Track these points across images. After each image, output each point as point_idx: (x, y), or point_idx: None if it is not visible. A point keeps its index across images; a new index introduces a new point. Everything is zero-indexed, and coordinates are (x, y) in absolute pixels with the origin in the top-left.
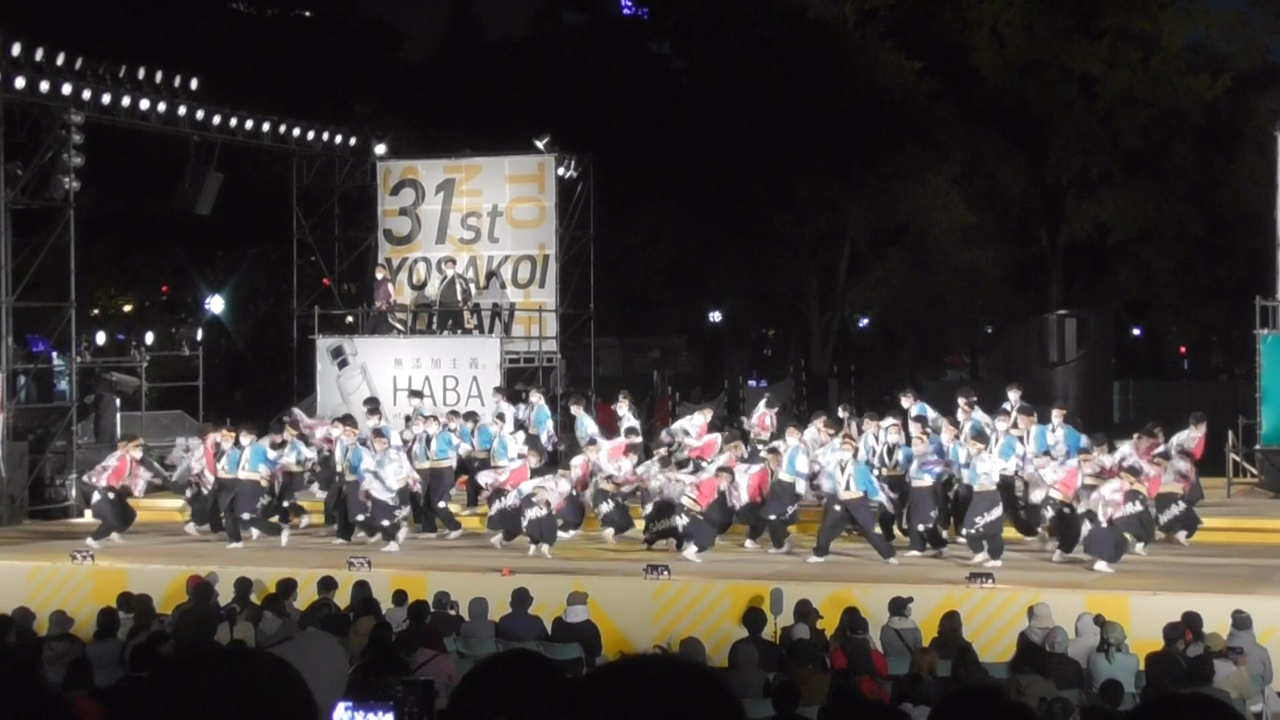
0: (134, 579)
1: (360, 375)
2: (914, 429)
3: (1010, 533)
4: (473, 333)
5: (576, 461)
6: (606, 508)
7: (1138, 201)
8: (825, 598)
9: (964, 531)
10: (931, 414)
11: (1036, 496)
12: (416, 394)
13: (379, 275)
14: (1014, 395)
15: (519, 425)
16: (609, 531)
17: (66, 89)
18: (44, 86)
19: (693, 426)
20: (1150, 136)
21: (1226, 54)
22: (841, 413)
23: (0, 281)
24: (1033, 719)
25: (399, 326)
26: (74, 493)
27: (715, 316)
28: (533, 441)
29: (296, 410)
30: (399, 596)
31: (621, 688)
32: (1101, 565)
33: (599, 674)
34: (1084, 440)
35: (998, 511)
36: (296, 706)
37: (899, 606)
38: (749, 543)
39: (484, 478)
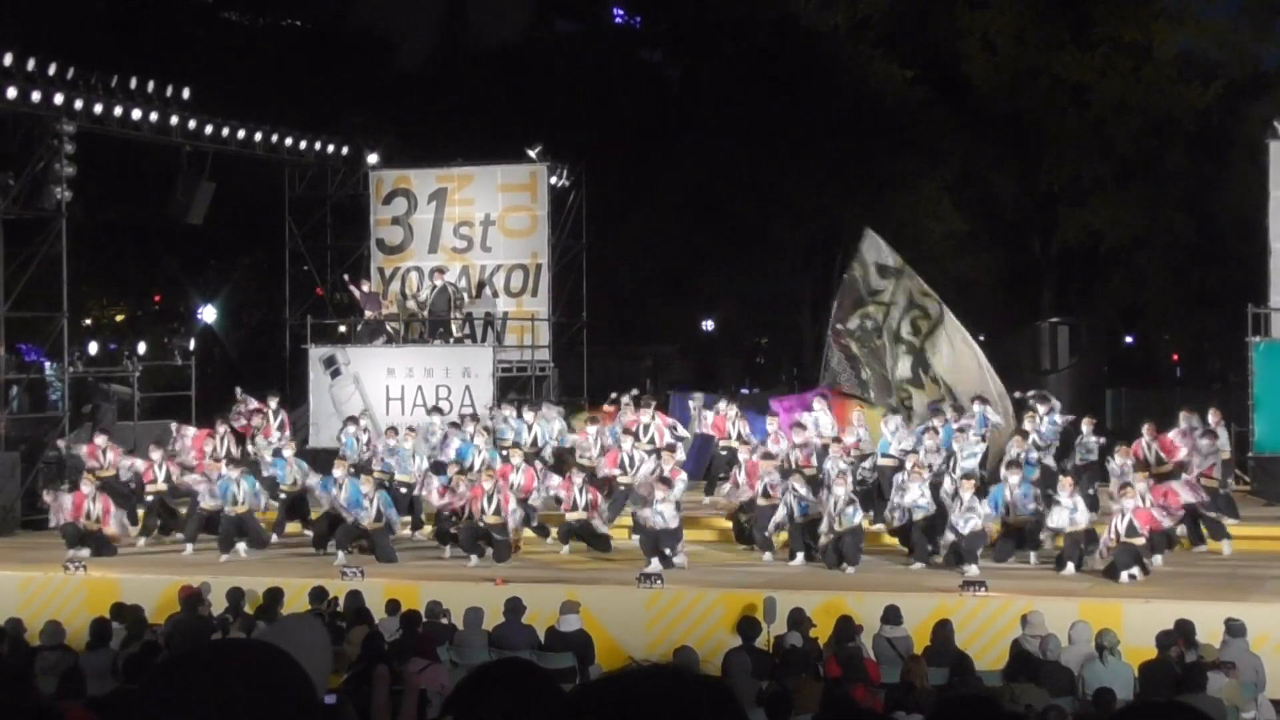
0: (126, 589)
1: (353, 385)
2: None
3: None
4: (465, 342)
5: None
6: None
7: (1130, 209)
8: (818, 606)
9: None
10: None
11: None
12: (437, 410)
13: (365, 287)
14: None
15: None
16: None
17: (58, 99)
18: (36, 96)
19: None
20: (1142, 144)
21: (1218, 62)
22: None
23: None
24: None
25: (390, 331)
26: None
27: (708, 324)
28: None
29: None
30: (391, 606)
31: (626, 697)
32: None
33: (603, 682)
34: None
35: None
36: (296, 689)
37: (891, 615)
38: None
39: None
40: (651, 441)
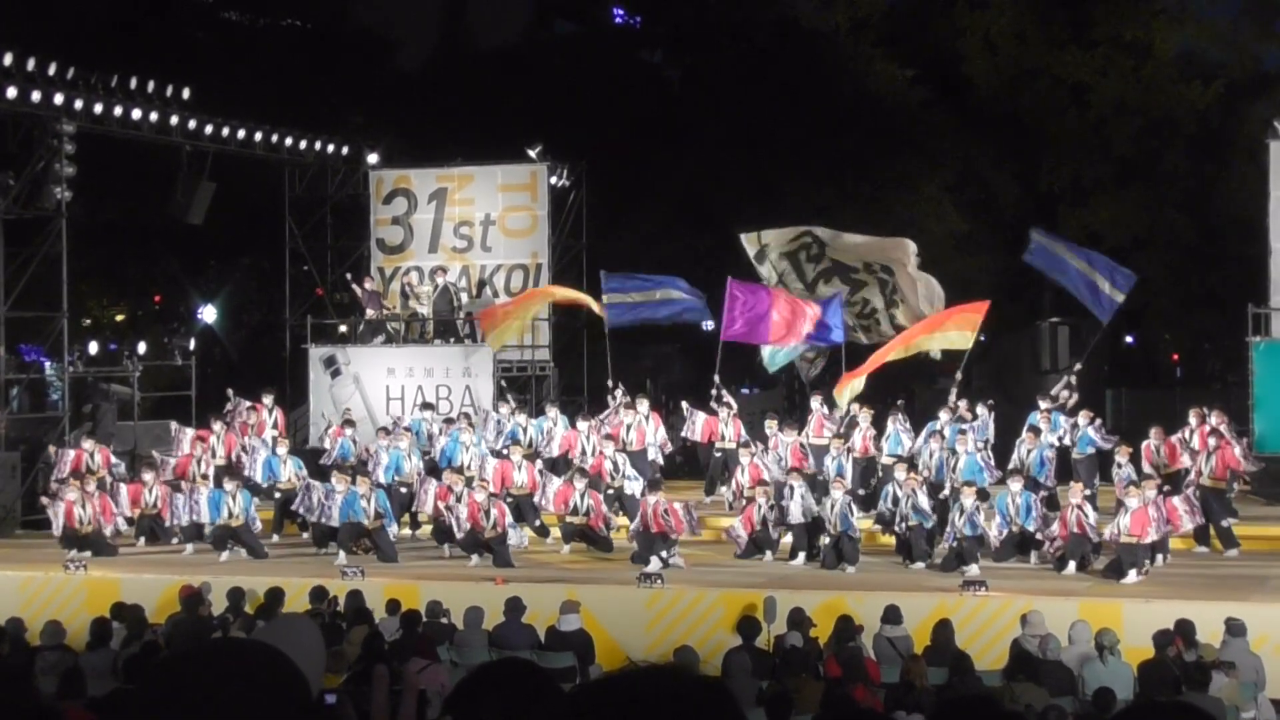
0: (127, 589)
1: (353, 385)
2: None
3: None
4: (465, 342)
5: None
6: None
7: (1130, 209)
8: (818, 606)
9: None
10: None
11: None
12: (428, 406)
13: (367, 286)
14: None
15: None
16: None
17: (58, 99)
18: (36, 96)
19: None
20: (1142, 144)
21: (1218, 62)
22: (769, 423)
23: None
24: None
25: (390, 331)
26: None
27: (708, 325)
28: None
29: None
30: (392, 606)
31: (626, 697)
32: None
33: (602, 682)
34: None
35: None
36: (292, 688)
37: (891, 614)
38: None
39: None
40: (632, 442)
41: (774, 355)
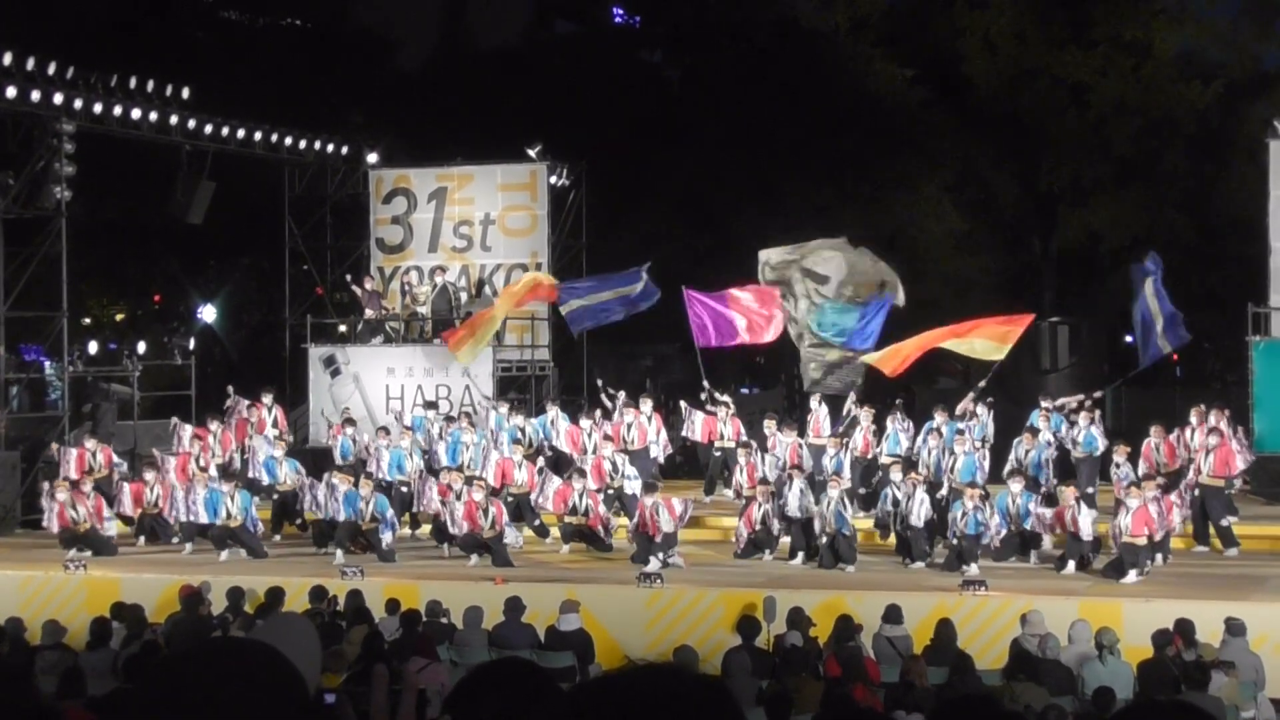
0: (126, 588)
1: (353, 384)
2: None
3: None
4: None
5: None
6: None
7: (1130, 209)
8: (818, 605)
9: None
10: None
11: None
12: (431, 405)
13: (367, 286)
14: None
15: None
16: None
17: (58, 98)
18: (35, 96)
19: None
20: (1142, 144)
21: (1218, 62)
22: (768, 422)
23: None
24: None
25: (389, 331)
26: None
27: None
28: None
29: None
30: (391, 605)
31: (625, 696)
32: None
33: (602, 682)
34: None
35: None
36: (290, 687)
37: (891, 614)
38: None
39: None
40: (633, 441)
41: (821, 320)
